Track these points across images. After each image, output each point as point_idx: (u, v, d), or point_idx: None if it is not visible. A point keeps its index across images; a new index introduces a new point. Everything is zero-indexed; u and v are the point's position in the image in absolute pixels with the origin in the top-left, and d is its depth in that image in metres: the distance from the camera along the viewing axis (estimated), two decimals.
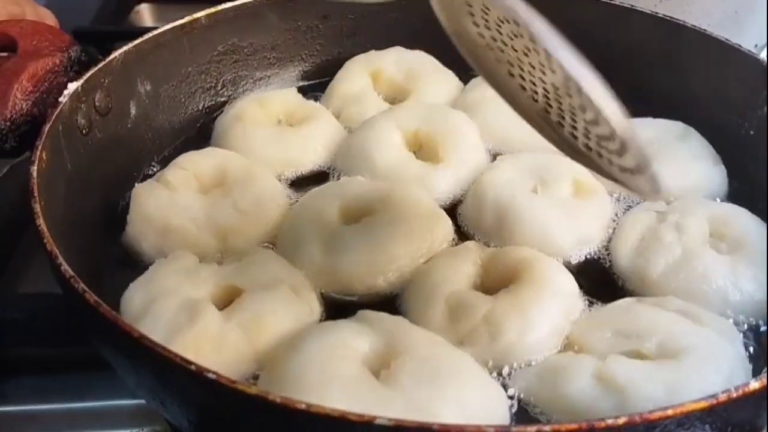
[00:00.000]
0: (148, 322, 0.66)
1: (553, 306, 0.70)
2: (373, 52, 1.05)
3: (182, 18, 0.96)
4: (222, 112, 0.99)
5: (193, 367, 0.51)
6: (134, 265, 0.78)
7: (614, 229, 0.82)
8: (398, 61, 1.04)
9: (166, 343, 0.62)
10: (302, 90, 1.04)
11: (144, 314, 0.67)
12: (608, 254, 0.80)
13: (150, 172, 0.92)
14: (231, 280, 0.72)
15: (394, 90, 1.04)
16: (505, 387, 0.65)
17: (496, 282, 0.74)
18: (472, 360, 0.65)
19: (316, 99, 1.03)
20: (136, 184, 0.84)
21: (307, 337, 0.64)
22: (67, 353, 0.82)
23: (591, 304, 0.74)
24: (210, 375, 0.50)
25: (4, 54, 0.86)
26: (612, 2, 1.01)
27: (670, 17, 0.97)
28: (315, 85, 1.08)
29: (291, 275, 0.74)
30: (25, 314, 0.83)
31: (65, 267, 0.59)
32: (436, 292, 0.71)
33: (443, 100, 1.02)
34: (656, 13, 0.98)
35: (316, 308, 0.72)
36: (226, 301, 0.71)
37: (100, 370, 0.69)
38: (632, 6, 0.99)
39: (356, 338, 0.64)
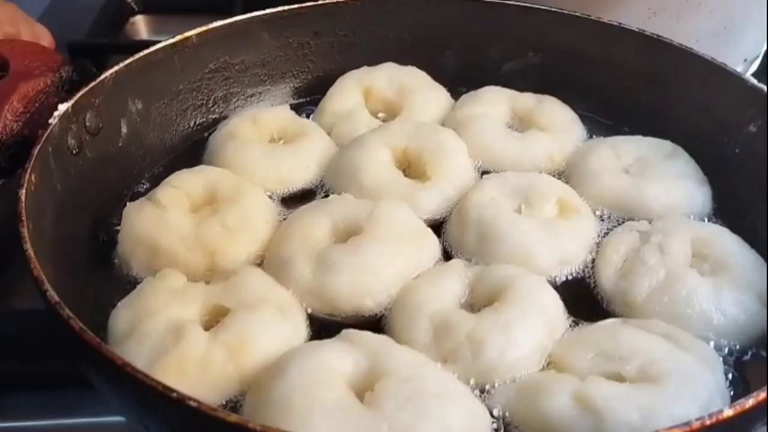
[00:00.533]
0: (133, 343, 0.67)
1: (536, 324, 0.71)
2: (365, 68, 1.06)
3: (175, 32, 0.97)
4: (214, 129, 1.00)
5: (174, 395, 0.52)
6: (124, 283, 0.79)
7: (597, 249, 0.83)
8: (390, 78, 1.05)
9: (152, 364, 0.64)
10: (294, 107, 1.05)
11: (130, 334, 0.68)
12: (592, 274, 0.81)
13: (140, 190, 0.93)
14: (218, 299, 0.72)
15: (385, 106, 1.05)
16: (487, 405, 0.66)
17: (481, 300, 0.75)
18: (455, 380, 0.66)
19: (308, 115, 1.04)
20: (126, 203, 0.85)
21: (291, 359, 0.64)
22: (59, 370, 0.83)
23: (576, 323, 0.75)
24: (191, 403, 0.51)
25: None
26: (600, 20, 1.01)
27: (658, 36, 0.98)
28: (307, 102, 1.09)
29: (278, 294, 0.74)
30: (17, 331, 0.84)
31: (51, 293, 0.60)
32: (421, 310, 0.72)
33: (434, 116, 1.03)
34: (643, 31, 0.99)
35: (302, 328, 0.73)
36: (213, 320, 0.71)
37: (92, 387, 0.70)
38: (620, 24, 1.00)
39: (340, 359, 0.64)
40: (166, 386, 0.52)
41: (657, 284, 0.75)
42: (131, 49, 1.33)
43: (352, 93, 1.03)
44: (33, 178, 0.71)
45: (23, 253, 0.64)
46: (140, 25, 1.55)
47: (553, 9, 1.03)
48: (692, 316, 0.73)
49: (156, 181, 0.89)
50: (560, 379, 0.65)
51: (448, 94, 1.07)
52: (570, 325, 0.74)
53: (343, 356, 0.64)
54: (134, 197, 0.88)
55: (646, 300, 0.75)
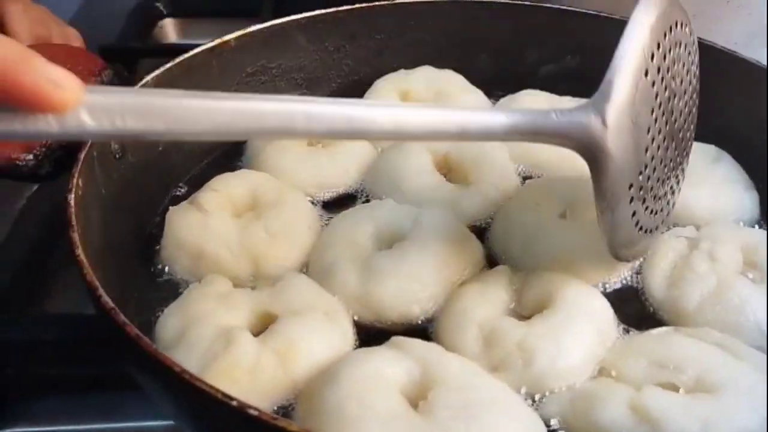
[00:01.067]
0: (182, 349, 0.66)
1: (586, 331, 0.70)
2: (402, 72, 1.06)
3: (203, 35, 0.97)
4: None
5: (235, 403, 0.51)
6: (167, 288, 0.79)
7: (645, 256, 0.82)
8: (427, 81, 1.04)
9: (202, 371, 0.63)
10: None
11: (179, 341, 0.68)
12: (639, 281, 0.80)
13: (178, 194, 0.92)
14: (265, 305, 0.72)
15: None
16: (540, 414, 0.65)
17: (529, 307, 0.74)
18: (508, 389, 0.65)
19: None
20: (168, 207, 0.84)
21: (343, 367, 0.64)
22: (97, 373, 0.83)
23: (626, 331, 0.74)
24: (252, 411, 0.51)
25: None
26: None
27: (700, 38, 0.97)
28: None
29: (324, 300, 0.74)
30: (54, 335, 0.83)
31: (105, 299, 0.60)
32: (470, 318, 0.71)
33: None
34: None
35: (349, 335, 0.73)
36: (261, 326, 0.71)
37: (131, 390, 0.69)
38: None
39: (392, 367, 0.64)
40: (225, 394, 0.52)
41: (708, 292, 0.74)
42: (162, 52, 1.35)
43: (389, 96, 1.03)
44: (80, 182, 0.71)
45: (75, 259, 0.64)
46: (169, 29, 1.56)
47: (591, 12, 1.03)
48: (745, 325, 0.72)
49: (193, 184, 0.89)
50: (615, 388, 0.65)
51: (485, 98, 1.06)
52: (621, 333, 0.73)
53: (395, 364, 0.64)
54: (174, 201, 0.89)
55: (697, 308, 0.74)
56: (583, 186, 0.85)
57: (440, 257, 0.77)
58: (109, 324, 0.59)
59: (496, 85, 1.07)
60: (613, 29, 1.00)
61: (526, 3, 1.06)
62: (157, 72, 0.88)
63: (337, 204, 0.90)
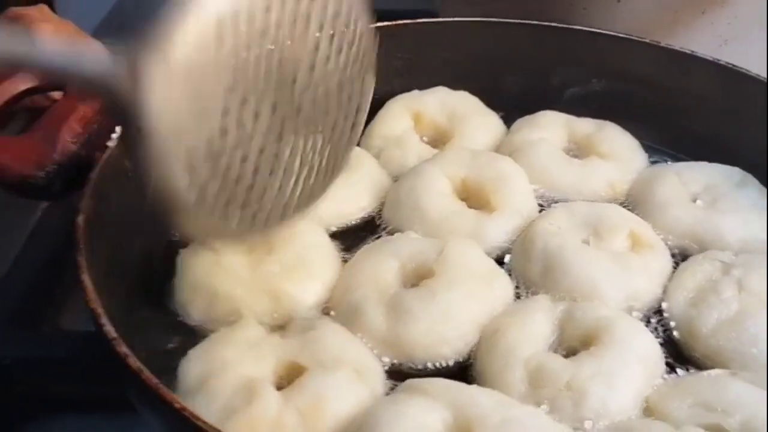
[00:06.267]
0: (203, 397, 0.64)
1: (637, 371, 0.68)
2: (415, 92, 1.03)
3: None
4: None
5: None
6: (180, 323, 0.77)
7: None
8: (441, 102, 1.02)
9: (222, 423, 0.60)
10: None
11: (200, 388, 0.65)
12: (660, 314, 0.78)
13: None
14: (293, 356, 0.69)
15: (436, 132, 1.02)
16: None
17: (573, 342, 0.72)
18: (544, 415, 0.64)
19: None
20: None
21: (377, 422, 0.61)
22: (109, 393, 0.80)
23: (671, 368, 0.72)
24: None
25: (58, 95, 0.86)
26: (671, 47, 0.98)
27: (733, 65, 0.94)
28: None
29: (355, 353, 0.70)
30: (68, 352, 0.83)
31: (108, 328, 0.58)
32: (514, 356, 0.69)
33: (487, 143, 1.00)
34: (718, 60, 0.95)
35: (379, 390, 0.69)
36: (288, 377, 0.68)
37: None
38: (693, 52, 0.96)
39: (426, 417, 0.61)
40: None
41: (726, 318, 0.73)
42: None
43: (401, 117, 1.00)
44: (91, 203, 0.70)
45: (80, 285, 0.62)
46: None
47: (621, 34, 1.00)
48: (758, 357, 0.70)
49: None
50: (656, 428, 0.63)
51: (500, 120, 1.03)
52: (666, 370, 0.72)
53: (427, 413, 0.61)
54: None
55: (711, 332, 0.72)
56: (608, 211, 0.84)
57: (470, 294, 0.75)
58: (110, 353, 0.57)
59: (519, 106, 1.05)
60: (642, 54, 1.01)
61: (555, 24, 1.03)
62: None
63: (353, 233, 0.88)
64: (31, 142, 0.77)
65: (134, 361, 0.55)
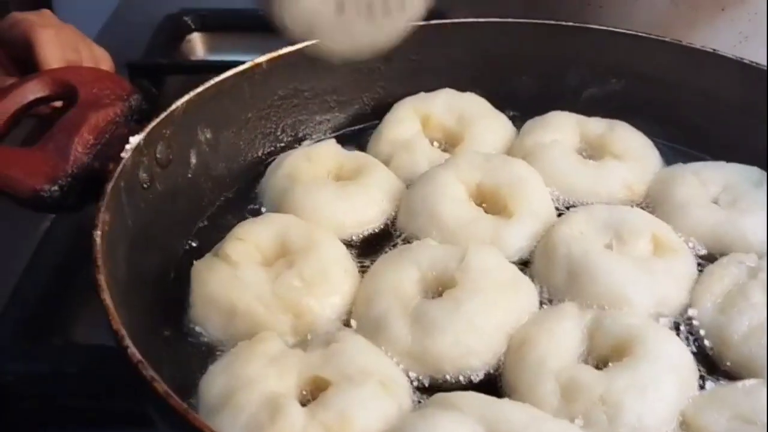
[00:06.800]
0: (227, 415, 0.62)
1: (672, 384, 0.67)
2: (422, 95, 1.01)
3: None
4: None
5: None
6: (197, 345, 0.75)
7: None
8: (449, 105, 1.00)
9: None
10: (359, 132, 1.02)
11: (224, 405, 0.63)
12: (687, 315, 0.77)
13: (204, 224, 0.89)
14: (317, 370, 0.67)
15: (445, 135, 1.00)
16: None
17: (604, 353, 0.70)
18: (575, 428, 0.62)
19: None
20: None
21: None
22: (120, 407, 0.79)
23: (704, 378, 0.71)
24: None
25: (59, 103, 0.84)
26: (692, 45, 0.96)
27: (756, 63, 0.92)
28: (374, 126, 1.04)
29: (381, 366, 0.68)
30: (78, 367, 0.81)
31: (132, 350, 0.56)
32: (545, 368, 0.67)
33: (497, 145, 0.98)
34: (741, 59, 0.93)
35: (406, 404, 0.67)
36: (311, 393, 0.66)
37: (154, 426, 0.66)
38: (715, 50, 0.94)
39: (459, 431, 0.59)
40: None
41: (759, 324, 0.71)
42: (191, 69, 1.32)
43: (410, 121, 0.98)
44: (107, 217, 0.68)
45: (100, 303, 0.60)
46: (196, 43, 1.52)
47: (641, 33, 0.98)
48: None
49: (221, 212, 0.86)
50: None
51: (509, 122, 1.01)
52: (699, 380, 0.70)
53: (459, 428, 0.59)
54: (199, 233, 0.86)
55: (742, 339, 0.71)
56: (629, 214, 0.83)
57: (496, 304, 0.73)
58: (134, 376, 0.55)
59: (536, 107, 1.03)
60: (662, 52, 0.99)
61: (572, 24, 1.01)
62: (187, 97, 0.85)
63: (366, 242, 0.86)
64: (42, 154, 0.75)
65: (161, 386, 0.53)
